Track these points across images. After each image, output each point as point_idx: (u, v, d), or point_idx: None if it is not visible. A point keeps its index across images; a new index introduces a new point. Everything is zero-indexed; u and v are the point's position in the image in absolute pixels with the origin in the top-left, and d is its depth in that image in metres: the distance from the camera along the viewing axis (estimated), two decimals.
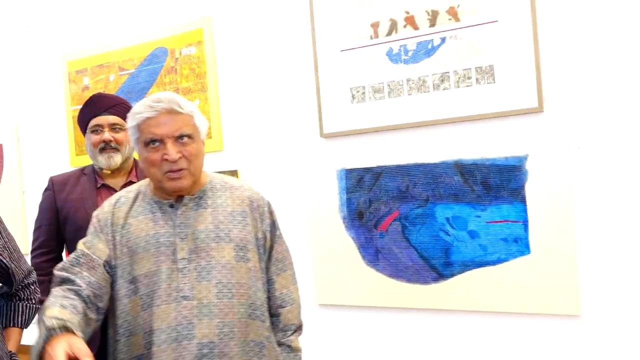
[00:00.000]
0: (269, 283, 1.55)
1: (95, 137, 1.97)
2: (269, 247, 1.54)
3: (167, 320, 1.35)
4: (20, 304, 1.62)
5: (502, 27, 2.39)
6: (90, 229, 1.49)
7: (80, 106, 2.13)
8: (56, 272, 1.44)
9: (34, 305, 1.65)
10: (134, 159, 2.16)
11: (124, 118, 1.83)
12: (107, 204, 1.51)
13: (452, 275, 2.57)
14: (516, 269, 2.43)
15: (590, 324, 2.33)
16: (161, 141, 1.36)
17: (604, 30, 2.23)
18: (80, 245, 1.47)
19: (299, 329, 1.60)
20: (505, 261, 2.46)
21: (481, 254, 2.51)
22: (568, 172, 2.31)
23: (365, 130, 2.72)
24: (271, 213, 1.57)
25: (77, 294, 1.33)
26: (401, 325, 2.70)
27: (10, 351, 1.55)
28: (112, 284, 1.43)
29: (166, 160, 1.35)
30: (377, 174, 2.71)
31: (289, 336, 1.57)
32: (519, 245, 2.43)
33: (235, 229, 1.45)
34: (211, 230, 1.42)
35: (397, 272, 2.68)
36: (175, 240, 1.40)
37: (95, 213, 1.51)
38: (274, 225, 1.56)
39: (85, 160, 3.66)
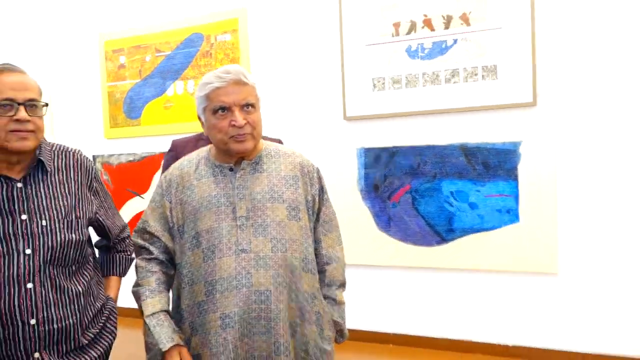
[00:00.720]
0: (316, 242, 1.61)
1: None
2: (317, 209, 1.61)
3: (228, 270, 1.45)
4: (118, 255, 1.73)
5: (506, 33, 2.87)
6: (158, 190, 1.59)
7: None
8: (134, 239, 1.61)
9: (129, 257, 1.78)
10: None
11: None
12: (174, 167, 1.60)
13: (453, 240, 3.07)
14: (507, 234, 2.94)
15: (565, 281, 2.86)
16: (229, 109, 1.44)
17: (592, 39, 2.72)
18: (148, 210, 1.59)
19: (342, 285, 1.65)
20: (498, 228, 2.96)
21: (479, 222, 3.01)
22: (554, 156, 2.82)
23: (383, 115, 3.17)
24: (320, 179, 1.64)
25: (157, 262, 1.55)
26: (408, 281, 3.19)
27: (108, 295, 1.67)
28: (178, 238, 1.54)
29: (233, 126, 1.44)
30: (392, 153, 3.17)
31: (335, 290, 1.63)
32: (510, 215, 2.94)
33: (288, 191, 1.53)
34: (266, 192, 1.51)
35: (406, 236, 3.16)
36: (234, 200, 1.49)
37: (163, 175, 1.62)
38: (322, 190, 1.64)
39: (118, 133, 4.01)
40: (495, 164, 2.95)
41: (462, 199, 3.04)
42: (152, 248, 1.56)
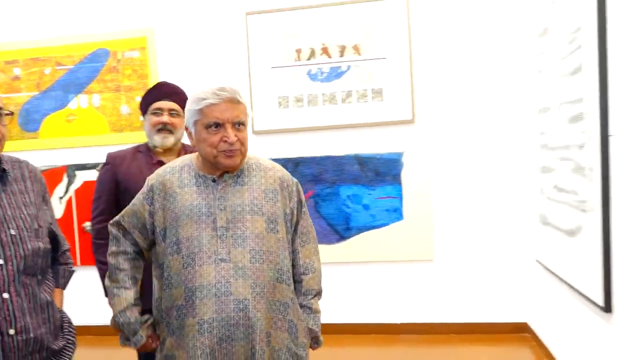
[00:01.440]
0: (294, 253, 1.64)
1: (155, 119, 2.16)
2: (295, 222, 1.64)
3: (208, 278, 1.49)
4: (61, 267, 1.67)
5: (390, 62, 3.46)
6: (140, 193, 1.65)
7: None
8: (109, 228, 1.69)
9: (71, 270, 1.73)
10: (182, 142, 2.30)
11: (182, 106, 2.05)
12: (157, 173, 1.65)
13: (350, 237, 3.57)
14: (394, 230, 3.52)
15: (440, 266, 3.50)
16: (221, 125, 1.49)
17: (458, 68, 3.42)
18: (128, 207, 1.66)
19: (318, 293, 1.69)
20: (387, 225, 3.53)
21: (371, 220, 3.54)
22: (430, 164, 3.46)
23: (288, 130, 3.58)
24: (298, 192, 1.67)
25: (124, 257, 1.64)
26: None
27: (60, 309, 1.62)
28: (160, 241, 1.59)
29: (225, 141, 1.49)
30: (296, 162, 3.59)
31: (310, 299, 1.66)
32: (396, 213, 3.52)
33: (267, 204, 1.57)
34: (247, 204, 1.55)
35: None
36: (215, 211, 1.54)
37: (148, 178, 1.66)
38: (300, 203, 1.66)
39: (11, 146, 3.91)
40: (383, 171, 3.52)
41: (357, 202, 3.56)
42: (122, 240, 1.64)
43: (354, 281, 3.60)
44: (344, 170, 3.56)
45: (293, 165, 3.59)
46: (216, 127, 1.49)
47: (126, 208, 1.68)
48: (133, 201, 1.67)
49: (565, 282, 2.59)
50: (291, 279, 1.62)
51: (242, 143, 1.52)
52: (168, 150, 2.20)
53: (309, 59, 3.56)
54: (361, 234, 3.56)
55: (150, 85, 3.70)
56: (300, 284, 1.65)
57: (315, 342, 1.68)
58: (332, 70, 3.54)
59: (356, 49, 3.51)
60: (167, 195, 1.58)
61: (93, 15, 3.80)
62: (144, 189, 1.64)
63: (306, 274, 1.66)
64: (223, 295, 1.48)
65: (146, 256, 1.69)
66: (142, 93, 3.72)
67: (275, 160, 3.57)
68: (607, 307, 2.09)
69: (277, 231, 1.57)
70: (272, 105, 3.59)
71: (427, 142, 3.47)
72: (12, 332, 1.37)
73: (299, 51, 3.57)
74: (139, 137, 3.87)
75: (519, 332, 3.45)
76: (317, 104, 3.57)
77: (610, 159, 2.04)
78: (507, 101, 3.39)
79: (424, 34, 3.44)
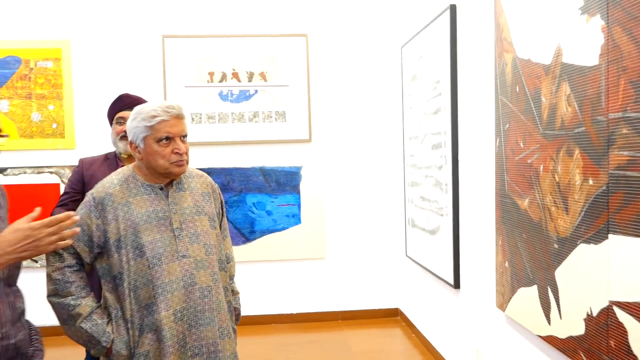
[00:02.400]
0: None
1: (119, 127, 2.34)
2: (220, 220, 1.87)
3: (175, 273, 1.65)
4: None
5: (292, 89, 4.05)
6: (85, 206, 1.68)
7: None
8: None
9: None
10: None
11: None
12: (99, 189, 1.70)
13: (255, 239, 4.07)
14: (293, 233, 4.09)
15: (330, 262, 4.15)
16: (172, 139, 1.63)
17: (347, 98, 4.11)
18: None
19: (233, 278, 1.92)
20: (287, 229, 4.09)
21: (273, 224, 4.08)
22: (323, 177, 4.10)
23: (200, 143, 3.99)
24: (220, 195, 1.90)
25: (70, 270, 1.64)
26: None
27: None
28: (113, 252, 1.64)
29: (177, 153, 1.64)
30: (208, 172, 4.01)
31: (232, 283, 1.89)
32: (295, 218, 4.10)
33: (207, 205, 1.77)
34: (192, 207, 1.73)
35: None
36: (170, 215, 1.69)
37: (90, 193, 1.70)
38: (222, 204, 1.89)
39: None
40: (284, 182, 4.09)
41: (261, 208, 4.08)
42: (65, 254, 1.64)
43: (258, 278, 4.10)
44: (250, 180, 4.06)
45: None
46: (167, 140, 1.63)
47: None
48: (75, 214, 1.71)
49: (428, 270, 3.36)
50: (226, 267, 1.83)
51: (187, 153, 1.70)
52: (131, 156, 2.33)
53: (220, 81, 4.02)
54: (264, 237, 4.09)
55: (65, 95, 3.89)
56: (224, 272, 1.84)
57: (237, 319, 1.90)
58: (241, 93, 4.04)
59: (263, 75, 4.05)
60: (118, 206, 1.66)
61: (7, 22, 3.87)
62: (89, 203, 1.68)
63: (229, 262, 1.88)
64: (190, 286, 1.66)
65: (86, 269, 1.72)
66: (56, 102, 3.92)
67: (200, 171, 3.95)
68: (457, 285, 2.87)
69: (215, 227, 1.78)
70: (186, 121, 3.97)
71: (321, 158, 4.12)
72: None
73: (211, 74, 4.01)
74: (52, 144, 4.02)
75: (393, 316, 4.22)
76: (227, 121, 4.03)
77: (459, 177, 2.83)
78: (385, 129, 4.16)
79: (320, 68, 4.09)
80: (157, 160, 1.65)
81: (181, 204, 1.72)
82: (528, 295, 2.01)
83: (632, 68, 1.39)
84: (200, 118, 4.01)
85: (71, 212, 1.36)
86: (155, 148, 1.63)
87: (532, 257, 1.97)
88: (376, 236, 4.19)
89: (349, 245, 4.18)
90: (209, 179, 1.87)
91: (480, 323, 2.60)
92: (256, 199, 4.08)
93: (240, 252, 4.05)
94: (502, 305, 2.26)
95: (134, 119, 1.66)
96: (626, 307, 1.44)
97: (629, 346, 1.43)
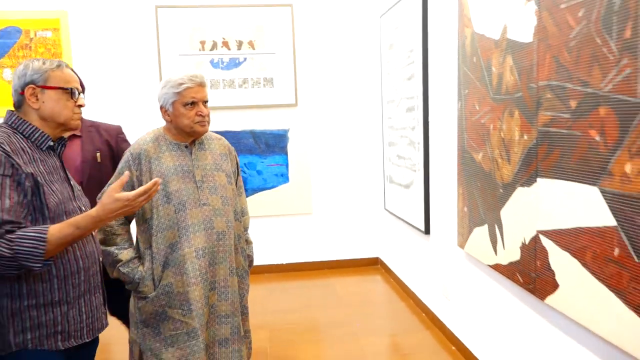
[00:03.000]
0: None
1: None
2: (236, 178, 2.14)
3: (197, 218, 1.93)
4: None
5: (278, 56, 4.34)
6: (124, 163, 1.94)
7: None
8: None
9: None
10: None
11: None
12: (136, 146, 1.96)
13: (247, 197, 4.43)
14: (282, 190, 4.47)
15: (317, 217, 4.55)
16: (196, 103, 1.90)
17: (332, 64, 4.42)
18: (115, 177, 1.94)
19: (247, 229, 2.20)
20: (276, 187, 4.46)
21: (264, 183, 4.45)
22: (309, 139, 4.45)
23: None
24: (236, 157, 2.16)
25: (119, 223, 1.93)
26: None
27: None
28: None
29: (200, 115, 1.90)
30: None
31: (247, 234, 2.18)
32: (284, 177, 4.47)
33: (224, 164, 2.05)
34: (212, 164, 2.01)
35: None
36: (192, 169, 1.96)
37: (128, 151, 1.97)
38: (237, 165, 2.17)
39: None
40: (273, 144, 4.43)
41: (252, 168, 4.43)
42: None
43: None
44: (241, 142, 4.40)
45: None
46: (192, 104, 1.90)
47: (112, 179, 1.99)
48: (118, 170, 1.97)
49: (403, 220, 3.78)
50: (240, 218, 2.12)
51: (208, 115, 1.96)
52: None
53: (211, 49, 4.29)
54: (256, 194, 4.45)
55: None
56: (240, 222, 2.12)
57: (250, 265, 2.17)
58: (231, 61, 4.32)
59: (251, 44, 4.33)
60: (151, 160, 1.93)
61: None
62: (128, 158, 1.94)
63: (244, 215, 2.18)
64: (209, 229, 1.94)
65: (129, 218, 1.99)
66: None
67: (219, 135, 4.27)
68: (427, 231, 3.29)
69: (231, 183, 2.06)
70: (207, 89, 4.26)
71: (307, 121, 4.46)
72: None
73: (203, 42, 4.28)
74: None
75: (374, 264, 4.67)
76: (219, 87, 4.33)
77: (429, 136, 3.20)
78: (366, 93, 4.50)
79: (305, 36, 4.38)
80: (184, 121, 1.91)
81: (203, 161, 1.99)
82: (481, 233, 2.43)
83: (554, 46, 1.75)
84: None
85: (157, 179, 1.59)
86: (182, 111, 1.90)
87: (484, 201, 2.37)
88: (358, 192, 4.59)
89: (334, 201, 4.57)
90: (227, 142, 2.15)
91: (446, 262, 3.03)
92: (247, 160, 4.43)
93: None
94: (462, 244, 2.68)
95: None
96: (548, 234, 1.85)
97: (549, 264, 1.85)
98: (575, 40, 1.63)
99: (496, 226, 2.26)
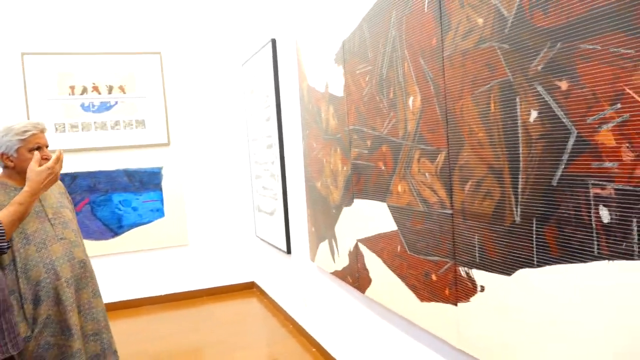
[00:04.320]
0: None
1: None
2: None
3: (60, 251, 2.10)
4: None
5: (149, 99, 4.65)
6: None
7: None
8: None
9: None
10: None
11: None
12: None
13: (123, 232, 4.62)
14: (158, 225, 4.71)
15: (193, 248, 4.85)
16: (40, 148, 2.06)
17: (199, 107, 4.81)
18: None
19: None
20: (152, 221, 4.70)
21: (139, 219, 4.66)
22: (181, 175, 4.77)
23: (66, 150, 4.42)
24: (68, 194, 2.40)
25: None
26: (99, 264, 4.52)
27: None
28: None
29: (45, 159, 2.05)
30: (74, 176, 4.46)
31: None
32: (159, 212, 4.72)
33: (64, 201, 2.27)
34: (57, 202, 2.20)
35: (89, 234, 4.51)
36: (44, 209, 2.14)
37: None
38: (71, 201, 2.40)
39: None
40: (147, 181, 4.69)
41: (127, 205, 4.63)
42: None
43: (129, 267, 4.66)
44: (115, 181, 4.59)
45: (71, 178, 4.46)
46: (37, 149, 2.04)
47: None
48: None
49: (271, 244, 4.25)
50: None
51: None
52: None
53: (82, 94, 4.48)
54: (132, 230, 4.65)
55: None
56: None
57: None
58: (102, 104, 4.54)
59: (122, 88, 4.59)
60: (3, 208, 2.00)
61: None
62: None
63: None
64: (71, 260, 2.14)
65: None
66: None
67: None
68: (289, 251, 3.78)
69: (74, 217, 2.30)
70: (49, 131, 4.38)
71: (180, 159, 4.79)
72: None
73: (72, 87, 4.46)
74: None
75: (249, 288, 5.06)
76: (90, 129, 4.51)
77: (286, 169, 3.73)
78: (233, 132, 4.96)
79: (174, 81, 4.75)
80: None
81: (49, 201, 2.17)
82: (324, 247, 2.96)
83: (355, 100, 2.35)
84: (64, 127, 4.44)
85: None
86: (27, 156, 2.04)
87: (324, 220, 2.92)
88: (231, 222, 4.98)
89: (208, 232, 4.91)
90: (60, 182, 2.33)
91: (303, 276, 3.54)
92: (122, 197, 4.62)
93: (110, 246, 4.57)
94: (313, 258, 3.20)
95: (5, 135, 2.03)
96: (362, 241, 2.42)
97: (365, 264, 2.41)
98: (366, 97, 2.24)
99: (333, 240, 2.81)
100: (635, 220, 1.09)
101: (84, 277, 2.19)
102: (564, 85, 1.23)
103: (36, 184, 1.86)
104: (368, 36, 2.18)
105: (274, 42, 3.69)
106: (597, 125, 1.16)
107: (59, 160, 1.92)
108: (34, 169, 1.87)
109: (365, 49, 2.21)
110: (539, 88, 1.30)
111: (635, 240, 1.09)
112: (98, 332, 2.24)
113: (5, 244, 1.71)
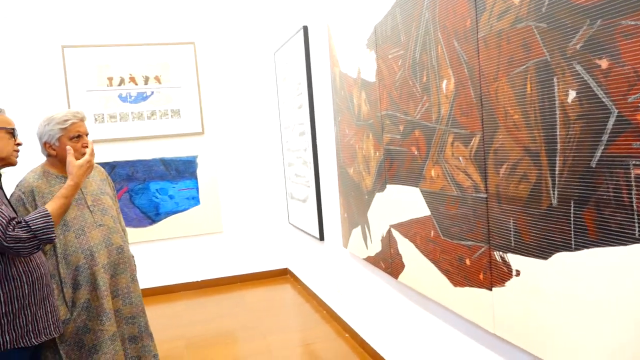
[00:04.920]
0: None
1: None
2: (114, 198, 2.43)
3: (98, 238, 2.16)
4: None
5: (184, 89, 4.74)
6: (19, 201, 2.05)
7: None
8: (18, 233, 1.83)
9: None
10: None
11: None
12: (26, 182, 2.09)
13: (160, 220, 4.74)
14: (194, 212, 4.82)
15: (227, 235, 4.94)
16: (81, 136, 2.13)
17: (233, 96, 4.88)
18: (7, 210, 1.84)
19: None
20: (188, 209, 4.81)
21: (176, 207, 4.78)
22: (216, 164, 4.86)
23: (104, 140, 4.56)
24: (111, 180, 2.44)
25: None
26: (141, 251, 4.67)
27: None
28: None
29: (85, 146, 2.12)
30: (113, 166, 4.60)
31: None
32: (195, 200, 4.83)
33: (106, 188, 2.32)
34: (97, 189, 2.26)
35: (128, 222, 4.65)
36: (83, 196, 2.19)
37: (18, 189, 2.09)
38: (113, 187, 2.45)
39: None
40: (183, 170, 4.79)
41: (164, 193, 4.75)
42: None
43: (166, 253, 4.79)
44: (152, 170, 4.71)
45: (110, 168, 4.59)
46: (77, 137, 2.12)
47: (8, 214, 1.83)
48: (11, 207, 1.92)
49: (304, 231, 4.28)
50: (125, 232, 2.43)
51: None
52: None
53: (119, 85, 4.60)
54: (169, 217, 4.77)
55: None
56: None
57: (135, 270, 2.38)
58: (139, 95, 4.65)
59: (157, 79, 4.69)
60: (44, 194, 2.09)
61: None
62: (20, 196, 2.07)
63: (124, 230, 2.43)
64: (108, 246, 2.20)
65: None
66: None
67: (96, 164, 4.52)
68: (322, 237, 3.81)
69: (115, 203, 2.37)
70: (89, 121, 4.51)
71: (214, 148, 4.87)
72: None
73: (110, 79, 4.58)
74: None
75: (283, 275, 5.12)
76: (128, 120, 4.63)
77: (318, 156, 3.75)
78: (266, 120, 5.00)
79: (208, 71, 4.82)
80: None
81: (89, 188, 2.23)
82: (357, 233, 2.97)
83: (388, 85, 2.34)
84: (103, 118, 4.57)
85: (89, 143, 2.14)
86: (69, 144, 2.10)
87: (356, 206, 2.93)
88: (264, 209, 5.05)
89: (242, 219, 4.99)
90: (103, 169, 2.43)
91: (337, 262, 3.56)
92: (159, 186, 4.74)
93: (148, 233, 4.70)
94: (346, 244, 3.22)
95: (47, 124, 2.10)
96: (395, 227, 2.41)
97: (398, 250, 2.41)
98: (398, 82, 2.23)
99: (365, 226, 2.81)
100: None
101: (121, 262, 2.25)
102: (604, 63, 1.20)
103: (78, 177, 1.99)
104: (400, 20, 2.16)
105: (305, 29, 3.69)
106: (638, 104, 1.12)
107: (92, 152, 2.09)
108: (75, 163, 1.99)
109: (397, 33, 2.19)
110: (578, 67, 1.27)
111: None
112: (135, 316, 2.31)
113: (54, 234, 1.83)
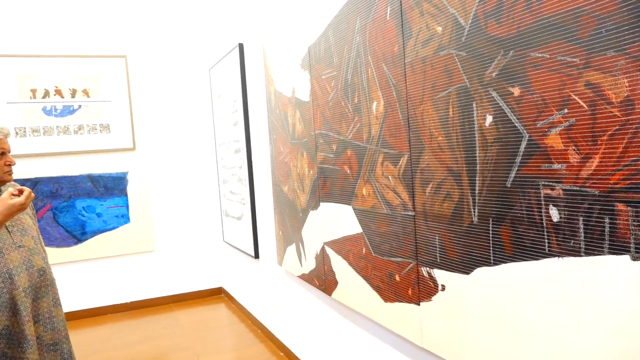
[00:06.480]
0: None
1: None
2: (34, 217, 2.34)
3: (17, 260, 2.04)
4: None
5: (114, 103, 4.58)
6: None
7: None
8: None
9: None
10: None
11: None
12: None
13: (86, 239, 4.52)
14: (123, 231, 4.63)
15: (160, 254, 4.79)
16: (5, 153, 2.08)
17: (164, 112, 4.77)
18: None
19: None
20: (118, 227, 4.62)
21: (104, 225, 4.58)
22: (147, 180, 4.71)
23: (26, 155, 4.31)
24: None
25: None
26: (61, 272, 4.40)
27: None
28: None
29: (8, 165, 2.09)
30: (35, 182, 4.35)
31: None
32: (125, 218, 4.65)
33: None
34: None
35: (51, 241, 4.39)
36: None
37: None
38: (33, 206, 2.37)
39: None
40: (112, 186, 4.61)
41: (91, 211, 4.54)
42: None
43: (93, 274, 4.56)
44: (79, 186, 4.50)
45: (32, 184, 4.34)
46: (1, 155, 2.08)
47: None
48: None
49: (239, 249, 4.23)
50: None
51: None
52: None
53: (43, 97, 4.38)
54: (96, 236, 4.56)
55: None
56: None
57: None
58: (65, 108, 4.45)
59: (86, 92, 4.51)
60: None
61: None
62: None
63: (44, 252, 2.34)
64: (30, 268, 2.10)
65: None
66: None
67: (16, 180, 4.26)
68: (257, 255, 3.78)
69: (35, 223, 2.27)
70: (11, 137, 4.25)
71: (146, 164, 4.73)
72: None
73: (34, 91, 4.35)
74: None
75: (217, 294, 5.02)
76: (53, 134, 4.41)
77: (253, 174, 3.74)
78: (200, 137, 4.93)
79: (140, 85, 4.69)
80: None
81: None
82: (291, 251, 2.98)
83: (321, 105, 2.39)
84: (25, 132, 4.32)
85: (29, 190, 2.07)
86: None
87: (291, 224, 2.94)
88: (198, 227, 4.94)
89: (175, 238, 4.86)
90: (19, 186, 2.29)
91: (271, 280, 3.54)
92: (86, 203, 4.53)
93: (73, 253, 4.47)
94: (280, 262, 3.21)
95: None
96: (329, 244, 2.45)
97: (331, 267, 2.44)
98: (331, 102, 2.28)
99: (300, 243, 2.83)
100: (581, 218, 1.15)
101: (43, 285, 2.14)
102: (516, 91, 1.29)
103: (3, 216, 1.96)
104: (333, 42, 2.22)
105: (241, 46, 3.70)
106: (546, 129, 1.22)
107: (30, 196, 2.03)
108: (7, 202, 1.94)
109: (330, 54, 2.25)
110: (494, 94, 1.36)
111: (582, 238, 1.15)
112: (58, 342, 2.19)
113: None
